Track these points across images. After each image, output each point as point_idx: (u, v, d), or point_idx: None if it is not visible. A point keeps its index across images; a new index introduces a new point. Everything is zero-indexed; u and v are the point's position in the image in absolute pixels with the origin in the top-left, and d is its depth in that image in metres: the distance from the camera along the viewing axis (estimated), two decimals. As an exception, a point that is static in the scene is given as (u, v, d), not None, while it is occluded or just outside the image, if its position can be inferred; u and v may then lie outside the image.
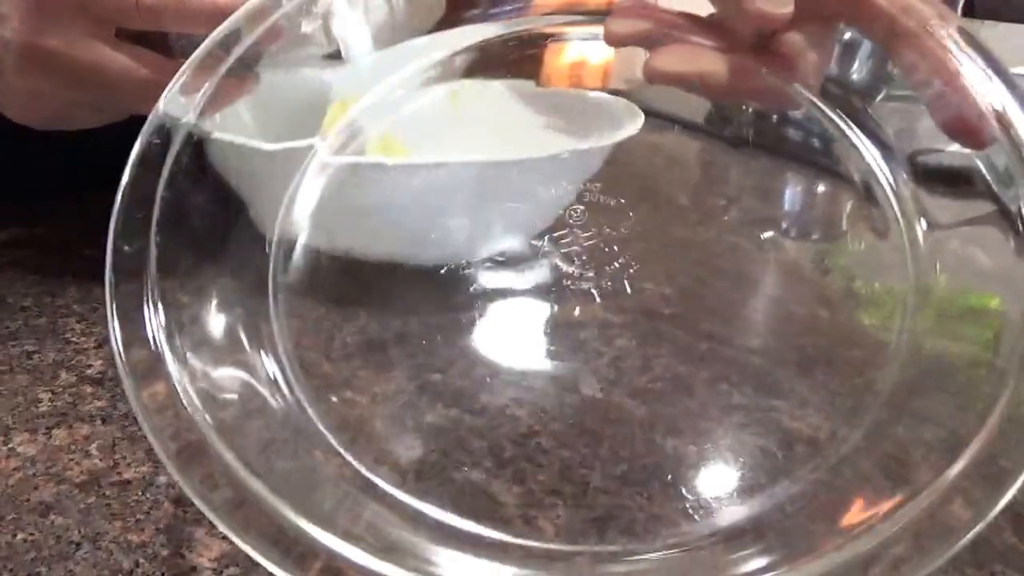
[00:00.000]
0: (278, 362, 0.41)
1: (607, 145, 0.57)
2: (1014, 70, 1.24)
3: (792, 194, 0.85)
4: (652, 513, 0.37)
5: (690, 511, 0.38)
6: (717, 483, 0.40)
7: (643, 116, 0.61)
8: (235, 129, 0.51)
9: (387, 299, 0.55)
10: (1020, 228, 0.57)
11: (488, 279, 0.58)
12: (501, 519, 0.37)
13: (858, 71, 1.16)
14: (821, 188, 0.85)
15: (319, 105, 0.71)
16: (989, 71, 0.40)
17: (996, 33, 2.49)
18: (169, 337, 0.35)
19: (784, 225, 0.78)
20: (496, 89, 0.76)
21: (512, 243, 0.60)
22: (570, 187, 0.60)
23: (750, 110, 0.76)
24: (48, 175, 0.70)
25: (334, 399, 0.44)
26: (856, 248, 0.68)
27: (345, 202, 0.53)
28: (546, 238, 0.65)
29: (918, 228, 0.73)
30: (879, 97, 1.19)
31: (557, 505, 0.38)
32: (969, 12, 3.19)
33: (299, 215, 0.56)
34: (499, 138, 0.74)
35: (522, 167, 0.55)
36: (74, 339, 0.48)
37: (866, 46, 1.17)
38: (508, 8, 0.62)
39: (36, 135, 0.71)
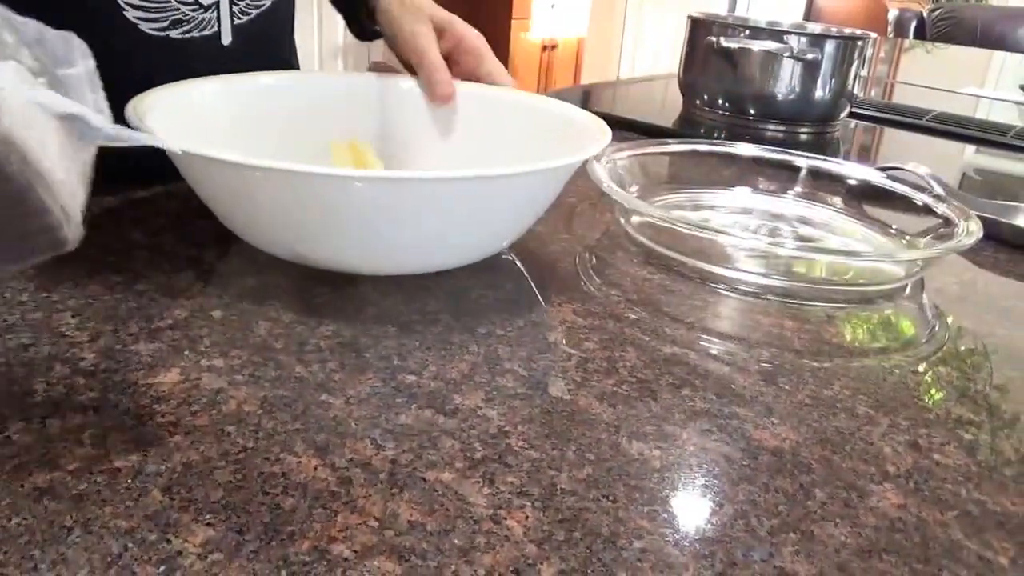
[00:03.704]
0: None
1: (576, 161, 0.57)
2: (964, 89, 1.30)
3: (756, 198, 0.87)
4: (617, 516, 0.39)
5: (653, 515, 0.39)
6: (680, 488, 0.41)
7: (611, 132, 0.63)
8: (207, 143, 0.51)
9: (362, 303, 0.56)
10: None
11: (462, 284, 0.59)
12: (471, 519, 0.38)
13: (820, 90, 1.19)
14: (789, 193, 0.87)
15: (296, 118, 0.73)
16: None
17: (947, 54, 2.52)
18: None
19: (753, 228, 0.80)
20: (475, 98, 0.76)
21: (483, 253, 0.61)
22: (540, 201, 0.62)
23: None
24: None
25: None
26: (822, 263, 0.70)
27: (309, 212, 0.54)
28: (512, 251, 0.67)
29: (881, 240, 0.75)
30: (843, 114, 1.22)
31: (525, 506, 0.39)
32: (921, 35, 3.22)
33: (264, 224, 0.56)
34: (476, 149, 0.74)
35: (493, 183, 0.55)
36: (68, 333, 0.49)
37: (827, 68, 1.20)
38: None
39: None
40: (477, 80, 0.78)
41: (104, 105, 0.38)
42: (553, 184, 0.61)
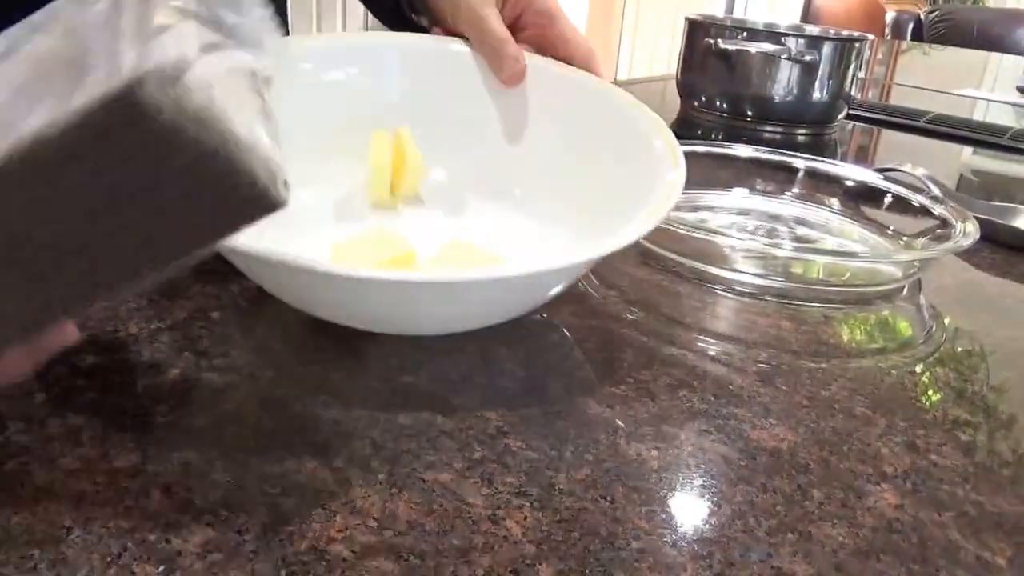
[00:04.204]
0: None
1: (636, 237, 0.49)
2: (961, 91, 1.31)
3: (754, 199, 0.87)
4: (615, 516, 0.39)
5: (651, 515, 0.39)
6: (678, 489, 0.42)
7: (684, 171, 0.57)
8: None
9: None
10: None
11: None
12: (470, 519, 0.38)
13: (818, 92, 1.19)
14: (786, 194, 0.87)
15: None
16: None
17: (943, 56, 2.52)
18: None
19: (751, 229, 0.80)
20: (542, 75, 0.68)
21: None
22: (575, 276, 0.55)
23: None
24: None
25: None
26: (823, 265, 0.70)
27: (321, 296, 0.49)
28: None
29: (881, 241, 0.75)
30: (840, 116, 1.23)
31: (524, 506, 0.39)
32: (919, 36, 3.23)
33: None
34: (530, 138, 0.69)
35: (531, 280, 0.48)
36: (67, 334, 0.49)
37: (824, 69, 1.20)
38: None
39: None
40: (549, 43, 0.69)
41: (279, 48, 0.38)
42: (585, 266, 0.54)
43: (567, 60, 0.68)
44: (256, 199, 0.33)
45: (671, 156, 0.57)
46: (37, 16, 0.35)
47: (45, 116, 0.30)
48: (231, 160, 0.32)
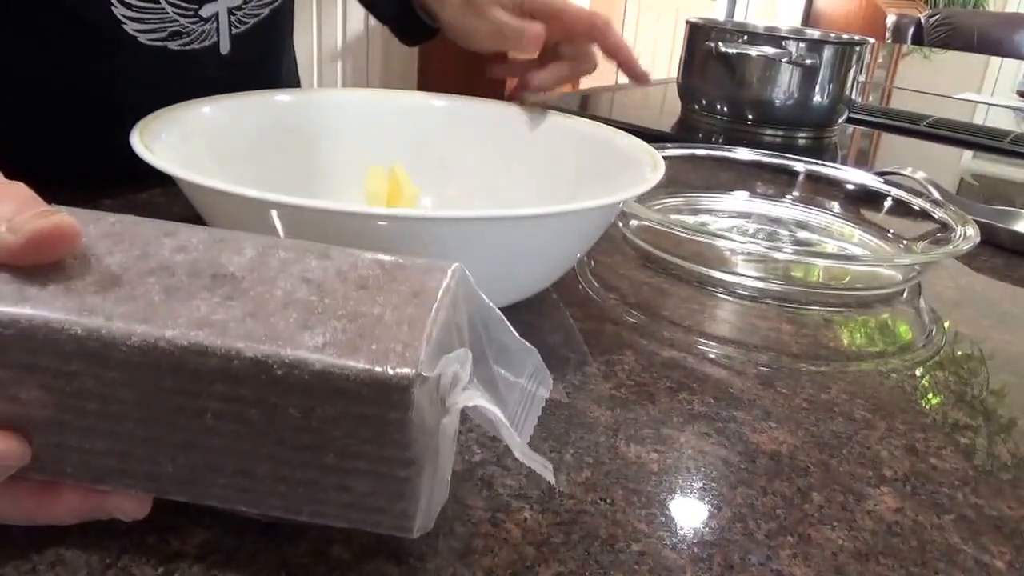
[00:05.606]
0: None
1: (628, 197, 0.52)
2: (961, 95, 1.31)
3: (754, 202, 0.87)
4: (615, 519, 0.39)
5: (651, 518, 0.39)
6: (678, 492, 0.42)
7: (664, 165, 0.58)
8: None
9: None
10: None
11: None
12: (470, 521, 0.38)
13: (819, 95, 1.20)
14: (787, 198, 0.87)
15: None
16: None
17: (944, 59, 2.52)
18: None
19: (751, 232, 0.80)
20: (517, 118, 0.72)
21: (526, 293, 0.57)
22: (586, 239, 0.56)
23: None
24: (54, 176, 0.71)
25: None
26: (821, 268, 0.70)
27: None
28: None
29: (882, 245, 0.76)
30: (841, 119, 1.23)
31: (524, 509, 0.39)
32: (919, 40, 3.23)
33: None
34: (521, 177, 0.71)
35: (539, 221, 0.49)
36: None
37: (825, 73, 1.20)
38: None
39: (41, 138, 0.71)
40: (556, 22, 0.73)
41: (528, 431, 0.36)
42: (599, 222, 0.55)
43: (568, 32, 0.74)
44: (397, 525, 0.34)
45: (651, 162, 0.60)
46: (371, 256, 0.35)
47: (317, 343, 0.30)
48: (417, 484, 0.32)
